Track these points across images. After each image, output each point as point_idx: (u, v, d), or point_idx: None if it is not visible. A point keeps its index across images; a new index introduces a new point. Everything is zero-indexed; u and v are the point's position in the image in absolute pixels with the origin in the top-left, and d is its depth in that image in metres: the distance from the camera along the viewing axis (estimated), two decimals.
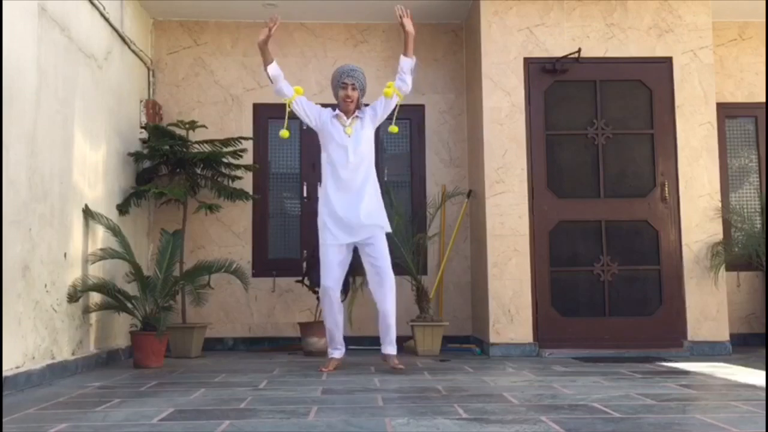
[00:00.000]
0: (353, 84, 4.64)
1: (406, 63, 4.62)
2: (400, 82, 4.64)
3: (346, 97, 4.64)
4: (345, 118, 4.67)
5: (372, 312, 6.18)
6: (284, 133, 4.64)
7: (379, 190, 4.71)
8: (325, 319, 4.75)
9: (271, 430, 2.64)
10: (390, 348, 4.62)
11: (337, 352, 4.72)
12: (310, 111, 4.71)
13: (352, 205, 4.56)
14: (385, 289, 4.57)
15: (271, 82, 4.66)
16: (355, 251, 4.74)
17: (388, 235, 4.69)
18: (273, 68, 4.60)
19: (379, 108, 4.69)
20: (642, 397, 3.37)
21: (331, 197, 4.60)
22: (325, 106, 6.39)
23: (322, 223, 4.64)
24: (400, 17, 4.60)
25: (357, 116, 4.69)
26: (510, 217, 5.64)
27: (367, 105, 4.78)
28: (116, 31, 5.45)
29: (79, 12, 4.75)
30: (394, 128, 4.77)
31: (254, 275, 6.23)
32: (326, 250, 4.61)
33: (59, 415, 3.02)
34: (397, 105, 4.69)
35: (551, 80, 5.82)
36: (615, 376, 4.21)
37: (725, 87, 6.52)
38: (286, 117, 4.67)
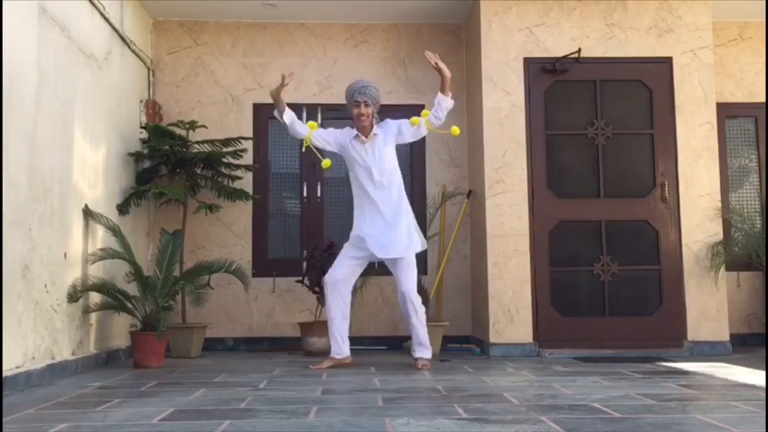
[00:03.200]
0: (365, 101, 4.70)
1: (446, 102, 4.71)
2: (434, 118, 4.74)
3: (359, 115, 4.70)
4: (363, 138, 4.73)
5: (372, 312, 6.21)
6: (326, 163, 4.84)
7: (409, 207, 4.80)
8: (329, 326, 4.80)
9: (271, 430, 2.64)
10: (417, 352, 4.74)
11: (334, 352, 4.74)
12: (329, 139, 4.83)
13: (385, 223, 4.67)
14: (409, 310, 4.66)
15: (288, 127, 4.81)
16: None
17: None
18: (288, 116, 4.78)
19: (406, 132, 4.77)
20: (642, 397, 3.37)
21: (364, 216, 4.72)
22: (325, 106, 6.47)
23: (353, 234, 4.78)
24: (435, 63, 4.71)
25: (375, 133, 4.74)
26: (510, 217, 5.64)
27: (381, 119, 4.83)
28: (116, 31, 5.45)
29: (79, 12, 4.75)
30: (456, 129, 4.85)
31: (254, 275, 6.23)
32: (345, 248, 4.78)
33: (59, 415, 3.02)
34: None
35: (551, 80, 5.82)
36: (615, 376, 4.21)
37: (725, 87, 6.52)
38: (315, 152, 4.86)
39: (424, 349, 4.74)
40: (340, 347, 4.75)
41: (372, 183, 4.69)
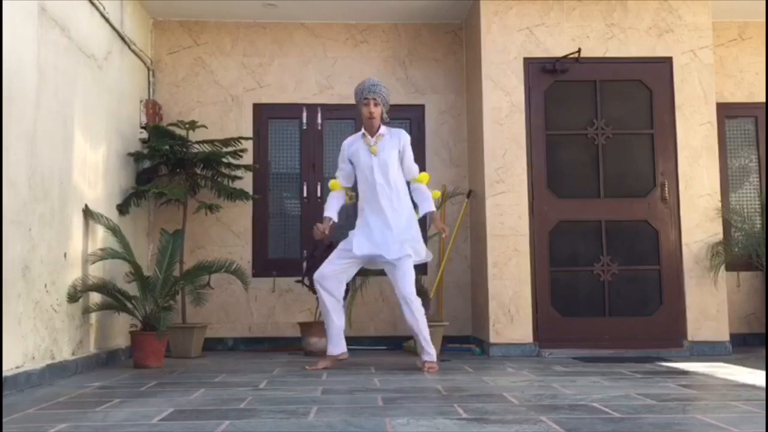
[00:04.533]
0: (375, 100, 4.67)
1: (429, 208, 4.79)
2: (418, 193, 4.79)
3: (369, 114, 4.68)
4: (370, 137, 4.72)
5: (372, 312, 6.21)
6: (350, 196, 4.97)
7: (414, 215, 4.73)
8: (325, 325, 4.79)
9: (271, 430, 2.64)
10: (423, 355, 4.64)
11: (329, 351, 4.70)
12: (346, 169, 4.83)
13: (381, 225, 4.62)
14: (407, 314, 4.58)
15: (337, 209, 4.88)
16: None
17: None
18: (334, 215, 4.84)
19: (406, 160, 4.75)
20: (642, 397, 3.37)
21: (363, 216, 4.71)
22: (325, 106, 6.48)
23: (351, 233, 4.75)
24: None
25: (381, 134, 4.73)
26: (510, 217, 5.64)
27: (388, 123, 4.83)
28: (116, 31, 5.45)
29: (79, 12, 4.75)
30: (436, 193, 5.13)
31: (254, 275, 6.23)
32: (340, 245, 4.75)
33: (59, 415, 3.02)
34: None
35: (551, 80, 5.82)
36: (615, 376, 4.21)
37: (725, 87, 6.52)
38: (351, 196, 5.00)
39: (431, 351, 4.62)
40: (335, 345, 4.70)
41: (373, 182, 4.66)
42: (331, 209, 4.84)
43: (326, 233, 4.79)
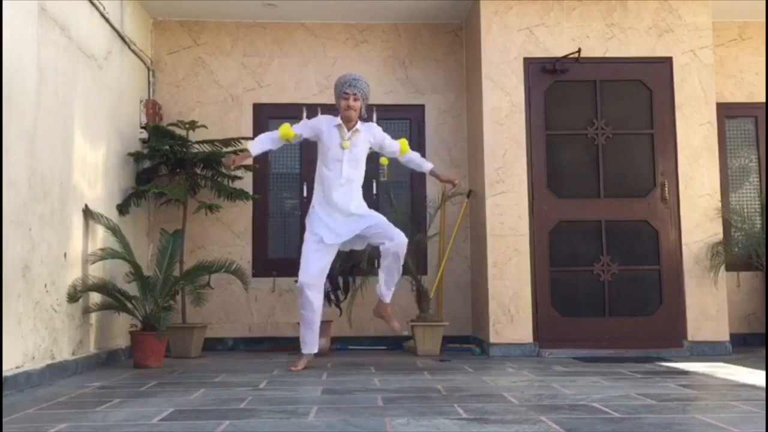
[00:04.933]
0: (355, 95, 4.60)
1: (424, 167, 4.99)
2: (401, 156, 4.93)
3: (347, 108, 4.61)
4: (345, 130, 4.65)
5: (372, 312, 6.19)
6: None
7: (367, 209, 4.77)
8: (300, 315, 4.70)
9: (271, 430, 2.64)
10: (388, 297, 4.79)
11: (308, 350, 4.66)
12: (303, 130, 4.74)
13: (344, 218, 4.62)
14: (399, 259, 4.61)
15: (268, 150, 4.80)
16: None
17: None
18: (256, 147, 4.69)
19: (387, 145, 4.82)
20: (642, 397, 3.37)
21: (323, 208, 4.65)
22: (325, 106, 6.46)
23: (310, 219, 4.68)
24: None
25: (357, 129, 4.67)
26: (510, 217, 5.64)
27: (368, 120, 4.81)
28: (116, 31, 5.45)
29: (79, 12, 4.75)
30: (384, 160, 5.21)
31: (254, 275, 6.23)
32: (307, 243, 4.64)
33: (59, 415, 3.02)
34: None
35: (551, 80, 5.82)
36: (615, 376, 4.21)
37: (725, 87, 6.52)
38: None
39: (391, 295, 4.78)
40: (314, 342, 4.67)
41: (338, 175, 4.60)
42: (258, 146, 4.69)
43: (234, 164, 4.76)
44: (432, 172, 5.01)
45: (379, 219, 4.67)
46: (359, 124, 4.70)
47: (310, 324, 4.65)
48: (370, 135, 4.75)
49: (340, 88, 4.66)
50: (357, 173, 4.68)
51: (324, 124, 4.72)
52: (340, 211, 4.62)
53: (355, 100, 4.61)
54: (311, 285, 4.58)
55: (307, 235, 4.67)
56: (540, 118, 5.79)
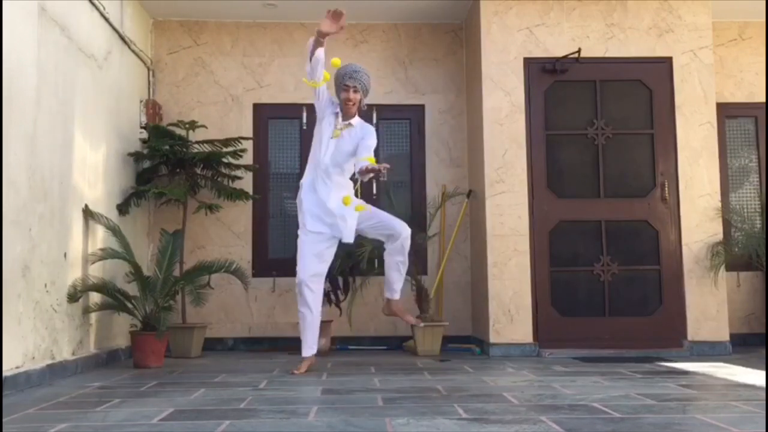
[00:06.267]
0: (355, 87, 4.50)
1: (362, 164, 4.29)
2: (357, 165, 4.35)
3: (347, 100, 4.50)
4: (341, 120, 4.54)
5: (372, 312, 6.20)
6: (332, 66, 4.46)
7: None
8: (299, 314, 4.52)
9: (271, 430, 2.64)
10: (397, 294, 4.70)
11: (310, 351, 4.52)
12: (323, 101, 4.54)
13: (338, 206, 4.44)
14: (405, 252, 4.54)
15: (310, 60, 4.40)
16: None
17: None
18: (321, 53, 4.38)
19: (363, 148, 4.41)
20: (642, 397, 3.37)
21: (312, 198, 4.51)
22: None
23: (302, 211, 4.52)
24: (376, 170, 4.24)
25: (351, 124, 4.54)
26: (510, 217, 5.64)
27: (365, 111, 4.73)
28: (116, 31, 5.45)
29: (79, 12, 4.75)
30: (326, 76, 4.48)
31: (254, 275, 6.23)
32: (304, 237, 4.50)
33: (59, 415, 3.02)
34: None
35: (551, 80, 5.82)
36: (615, 376, 4.21)
37: (725, 87, 6.52)
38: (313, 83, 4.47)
39: (399, 292, 4.71)
40: (315, 343, 4.56)
41: (319, 161, 4.48)
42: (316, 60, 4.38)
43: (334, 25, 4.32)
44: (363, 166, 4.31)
45: (375, 212, 4.58)
46: (356, 119, 4.57)
47: (310, 324, 4.52)
48: (362, 134, 4.52)
49: (340, 79, 4.55)
50: (337, 167, 4.49)
51: (329, 107, 4.57)
52: (320, 205, 4.48)
53: (355, 92, 4.50)
54: (307, 284, 4.43)
55: (300, 232, 4.54)
56: (540, 118, 5.79)
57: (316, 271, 4.48)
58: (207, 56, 6.48)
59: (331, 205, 4.46)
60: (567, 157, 5.80)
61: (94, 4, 5.00)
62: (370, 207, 4.58)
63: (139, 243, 5.87)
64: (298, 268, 4.49)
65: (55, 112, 4.30)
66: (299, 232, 4.56)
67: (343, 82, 4.54)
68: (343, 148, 4.50)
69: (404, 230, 4.56)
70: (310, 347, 4.54)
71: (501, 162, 5.70)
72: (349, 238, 4.51)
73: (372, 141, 4.49)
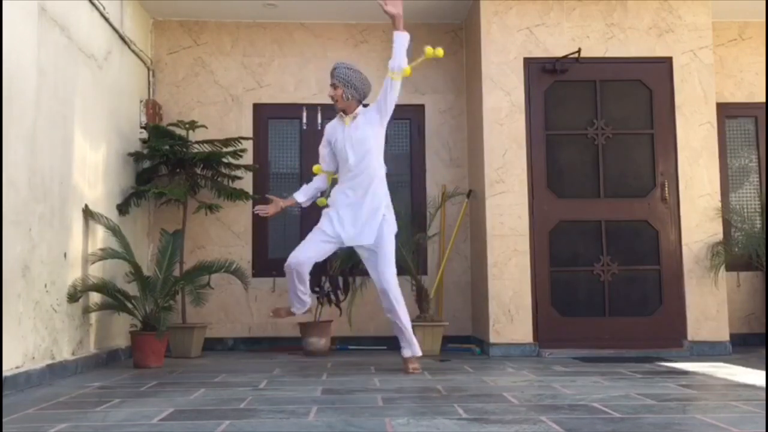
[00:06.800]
0: (333, 83, 4.55)
1: (398, 38, 4.51)
2: (391, 62, 4.47)
3: (331, 99, 4.60)
4: (344, 117, 4.59)
5: (372, 312, 6.20)
6: (321, 201, 4.80)
7: (388, 198, 4.54)
8: (288, 290, 4.64)
9: (271, 430, 2.64)
10: (406, 351, 4.51)
11: (296, 309, 4.67)
12: (326, 155, 4.68)
13: (356, 211, 4.45)
14: (392, 305, 4.42)
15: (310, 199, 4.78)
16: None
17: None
18: (302, 195, 4.72)
19: (381, 99, 4.50)
20: (642, 397, 3.37)
21: (339, 198, 4.53)
22: (325, 106, 6.46)
23: (326, 212, 4.58)
24: (383, 6, 4.51)
25: (356, 114, 4.57)
26: (510, 217, 5.64)
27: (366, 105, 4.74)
28: (116, 31, 5.45)
29: (79, 12, 4.75)
30: (429, 51, 4.63)
31: (254, 275, 6.23)
32: (314, 231, 4.55)
33: (59, 415, 3.02)
34: (396, 80, 4.51)
35: (551, 80, 5.82)
36: (615, 376, 4.21)
37: (725, 87, 6.52)
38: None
39: (413, 347, 4.50)
40: (303, 303, 4.64)
41: (347, 166, 4.50)
42: (301, 192, 4.72)
43: (269, 213, 4.68)
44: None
45: (386, 246, 4.45)
46: (359, 109, 4.59)
47: (299, 297, 4.61)
48: (368, 113, 4.55)
49: None
50: (363, 156, 4.47)
51: (330, 126, 4.69)
52: (350, 206, 4.47)
53: (335, 88, 4.55)
54: (295, 268, 4.46)
55: (322, 220, 4.58)
56: (540, 118, 5.79)
57: (303, 260, 4.48)
58: (207, 56, 6.48)
59: (345, 213, 4.48)
60: (567, 157, 5.80)
61: (94, 4, 5.00)
62: (390, 239, 4.49)
63: (139, 243, 5.87)
64: (294, 253, 4.51)
65: (55, 112, 4.30)
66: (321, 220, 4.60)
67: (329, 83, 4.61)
68: (360, 138, 4.49)
69: (386, 274, 4.40)
70: (296, 308, 4.69)
71: (501, 162, 5.70)
72: (369, 240, 4.46)
73: (382, 92, 4.52)
